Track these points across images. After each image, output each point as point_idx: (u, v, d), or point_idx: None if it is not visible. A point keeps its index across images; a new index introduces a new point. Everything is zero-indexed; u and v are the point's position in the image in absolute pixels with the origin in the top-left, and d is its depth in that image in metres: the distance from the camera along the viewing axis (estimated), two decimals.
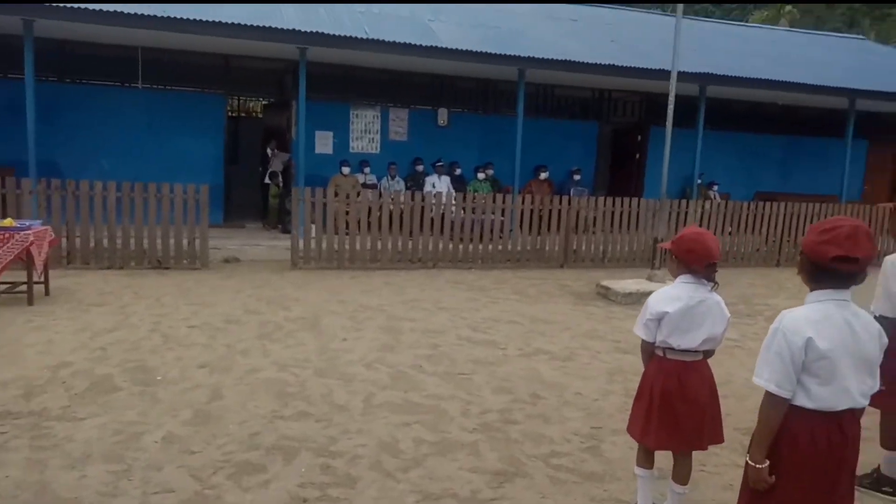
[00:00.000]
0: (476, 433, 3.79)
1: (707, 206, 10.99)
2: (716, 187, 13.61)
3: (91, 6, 8.52)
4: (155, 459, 3.30)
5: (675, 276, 2.82)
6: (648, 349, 2.85)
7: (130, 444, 3.45)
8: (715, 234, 11.00)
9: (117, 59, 11.03)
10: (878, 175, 15.76)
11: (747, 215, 10.97)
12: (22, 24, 8.58)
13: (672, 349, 2.74)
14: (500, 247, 9.96)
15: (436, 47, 9.94)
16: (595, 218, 10.36)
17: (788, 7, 31.05)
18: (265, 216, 11.91)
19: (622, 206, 10.41)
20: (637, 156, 14.07)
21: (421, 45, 9.87)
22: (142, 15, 8.67)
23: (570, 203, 10.18)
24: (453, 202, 9.82)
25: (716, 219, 10.78)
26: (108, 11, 8.54)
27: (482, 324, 6.31)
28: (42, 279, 6.56)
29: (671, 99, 8.44)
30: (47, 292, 6.63)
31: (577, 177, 13.05)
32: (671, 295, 2.75)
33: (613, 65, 10.79)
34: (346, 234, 9.27)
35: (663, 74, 11.02)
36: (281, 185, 11.48)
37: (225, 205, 11.84)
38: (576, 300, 7.76)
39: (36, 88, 8.90)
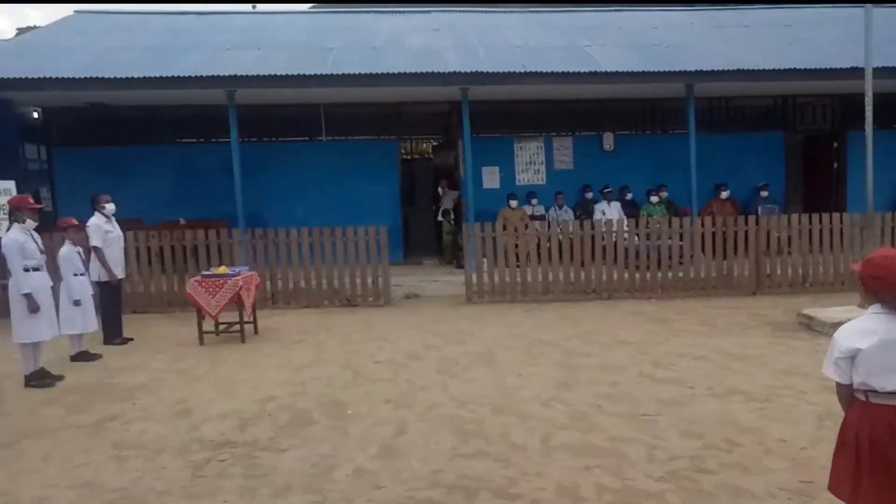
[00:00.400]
0: (663, 482, 3.55)
1: None
2: None
3: (279, 72, 9.60)
4: (347, 492, 3.51)
5: (868, 305, 2.46)
6: (846, 393, 2.48)
7: (325, 476, 3.71)
8: None
9: (304, 118, 12.29)
10: None
11: None
12: (226, 94, 9.87)
13: (875, 392, 2.37)
14: (680, 274, 9.39)
15: (596, 72, 9.78)
16: (790, 238, 9.39)
17: None
18: (440, 252, 12.38)
19: (821, 222, 9.34)
20: (835, 165, 12.59)
21: (581, 72, 9.78)
22: (322, 75, 9.60)
23: (758, 222, 9.34)
24: (626, 228, 9.47)
25: None
26: (294, 76, 9.57)
27: (666, 359, 5.95)
28: (251, 319, 7.39)
29: (868, 99, 7.46)
30: (256, 331, 7.44)
31: (764, 193, 11.95)
32: (862, 328, 2.39)
33: (795, 69, 9.84)
34: (517, 266, 9.32)
35: (855, 73, 9.88)
36: (453, 221, 11.89)
37: (404, 243, 12.51)
38: (773, 332, 7.04)
39: (240, 149, 10.16)
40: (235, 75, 9.57)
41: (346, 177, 12.03)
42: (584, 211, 11.72)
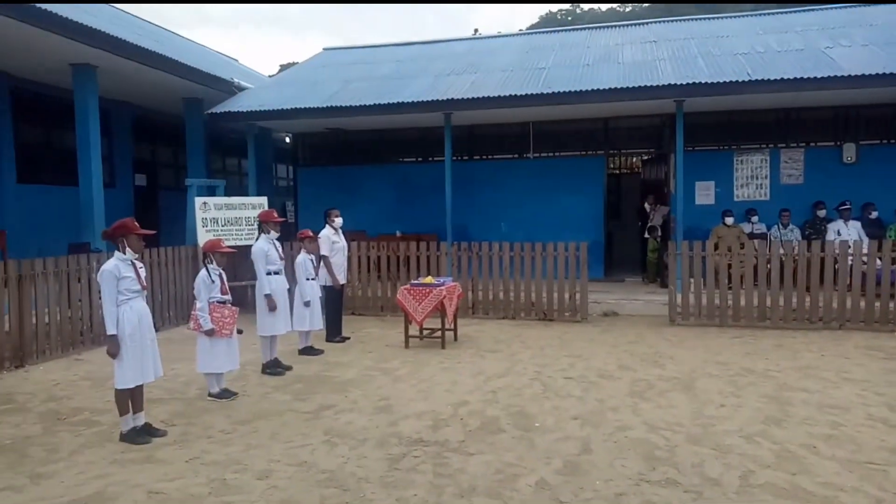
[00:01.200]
0: None
1: None
2: None
3: (491, 94, 10.06)
4: (528, 502, 3.60)
5: None
6: None
7: (508, 484, 3.83)
8: None
9: (513, 136, 12.71)
10: None
11: None
12: (443, 117, 10.60)
13: None
14: None
15: (837, 76, 8.70)
16: None
17: None
18: (644, 270, 11.93)
19: None
20: None
21: (815, 77, 8.79)
22: (531, 94, 9.86)
23: None
24: (865, 251, 8.28)
25: None
26: (505, 97, 9.96)
27: None
28: (452, 327, 7.83)
29: None
30: (455, 338, 7.87)
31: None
32: None
33: None
34: (729, 288, 8.64)
35: None
36: (659, 238, 11.39)
37: (605, 259, 12.28)
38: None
39: (452, 167, 10.81)
40: (452, 99, 10.25)
41: (551, 192, 12.17)
42: (814, 230, 10.49)
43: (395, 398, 5.56)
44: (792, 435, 4.47)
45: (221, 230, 9.47)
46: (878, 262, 8.24)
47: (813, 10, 12.88)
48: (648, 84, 9.44)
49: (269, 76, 17.61)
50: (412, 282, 8.12)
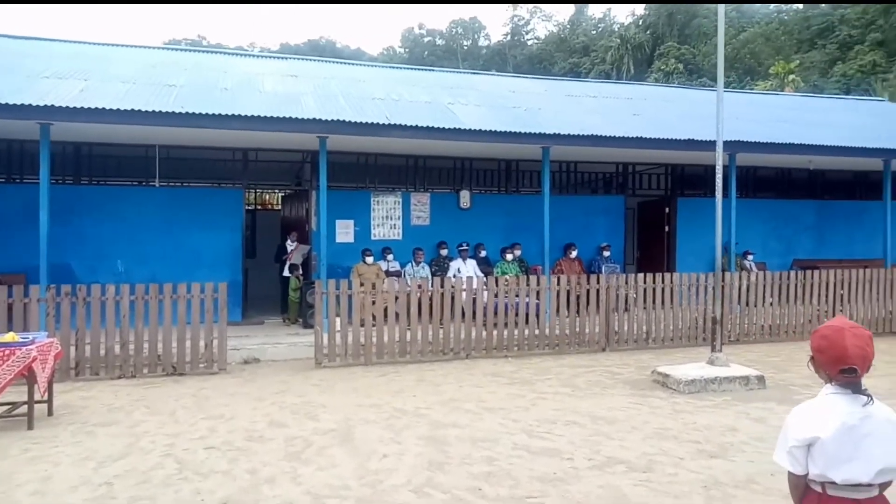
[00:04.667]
0: None
1: (752, 277, 10.30)
2: (751, 257, 12.98)
3: (108, 106, 8.33)
4: None
5: (824, 383, 2.17)
6: (800, 483, 2.14)
7: None
8: (755, 305, 10.37)
9: (134, 158, 10.88)
10: None
11: (795, 285, 10.29)
12: (39, 128, 8.40)
13: (834, 484, 2.05)
14: (536, 331, 9.28)
15: (460, 129, 9.64)
16: (636, 296, 9.70)
17: (791, 76, 31.46)
18: (285, 311, 11.35)
19: (663, 282, 9.77)
20: (666, 228, 13.55)
21: (446, 128, 9.60)
22: (162, 112, 8.48)
23: (608, 281, 9.55)
24: (484, 286, 9.22)
25: (759, 289, 10.10)
26: (128, 111, 8.35)
27: (537, 427, 5.56)
28: (45, 397, 5.94)
29: (718, 167, 7.99)
30: (50, 412, 5.99)
31: (606, 253, 12.50)
32: (818, 413, 2.08)
33: (641, 137, 10.45)
34: (373, 325, 8.66)
35: (691, 144, 10.74)
36: (301, 277, 11.00)
37: (243, 300, 11.34)
38: (632, 391, 6.99)
39: (51, 191, 8.61)
40: (53, 106, 8.14)
41: (180, 227, 10.71)
42: (439, 268, 11.42)
43: None
44: (456, 479, 4.34)
45: None
46: (495, 296, 9.24)
47: (433, 70, 14.42)
48: (295, 116, 9.03)
49: None
50: None
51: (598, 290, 9.48)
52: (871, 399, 2.04)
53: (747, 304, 10.12)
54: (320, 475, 4.42)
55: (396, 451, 4.92)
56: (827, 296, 10.42)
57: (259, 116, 8.85)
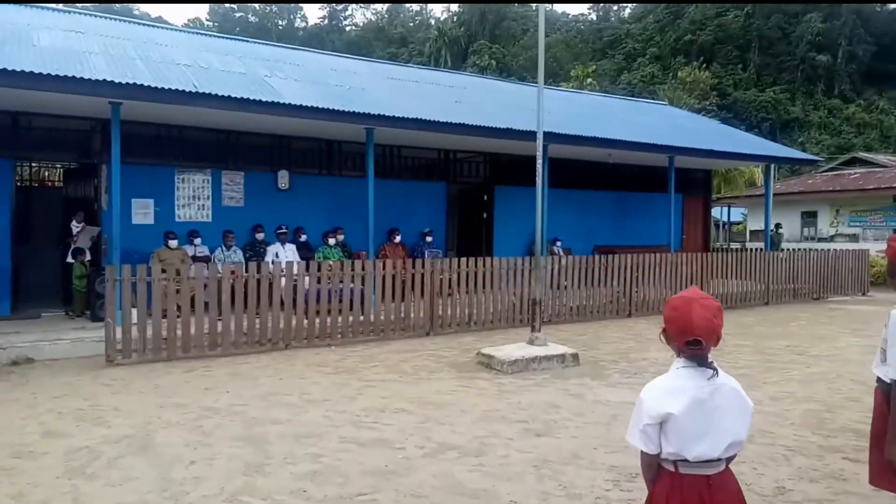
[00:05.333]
0: None
1: (563, 261, 10.92)
2: (559, 243, 13.88)
3: None
4: None
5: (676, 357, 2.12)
6: (653, 463, 2.08)
7: None
8: (565, 287, 11.09)
9: None
10: (692, 225, 17.25)
11: (599, 268, 11.11)
12: None
13: (686, 461, 2.00)
14: (361, 318, 8.97)
15: (280, 103, 8.94)
16: (458, 279, 9.79)
17: (589, 80, 34.45)
18: (69, 302, 9.80)
19: (484, 266, 9.98)
20: (485, 215, 13.97)
21: (264, 101, 8.82)
22: None
23: (433, 266, 9.52)
24: (306, 272, 8.68)
25: (569, 273, 10.76)
26: None
27: (366, 417, 5.26)
28: None
29: (539, 157, 8.27)
30: None
31: (429, 238, 12.56)
32: (669, 387, 2.02)
33: (464, 123, 10.54)
34: (178, 316, 7.73)
35: (510, 133, 11.09)
36: (89, 263, 9.56)
37: (14, 291, 9.59)
38: (458, 374, 6.98)
39: None
40: None
41: None
42: (255, 252, 10.63)
43: None
44: (278, 482, 3.89)
45: None
46: (318, 282, 8.75)
47: (247, 41, 13.37)
48: (79, 76, 7.71)
49: None
50: None
51: (422, 275, 9.40)
52: (717, 372, 2.02)
53: (558, 287, 10.71)
54: (111, 492, 3.71)
55: (206, 456, 4.32)
56: (624, 278, 11.39)
57: (32, 73, 7.44)
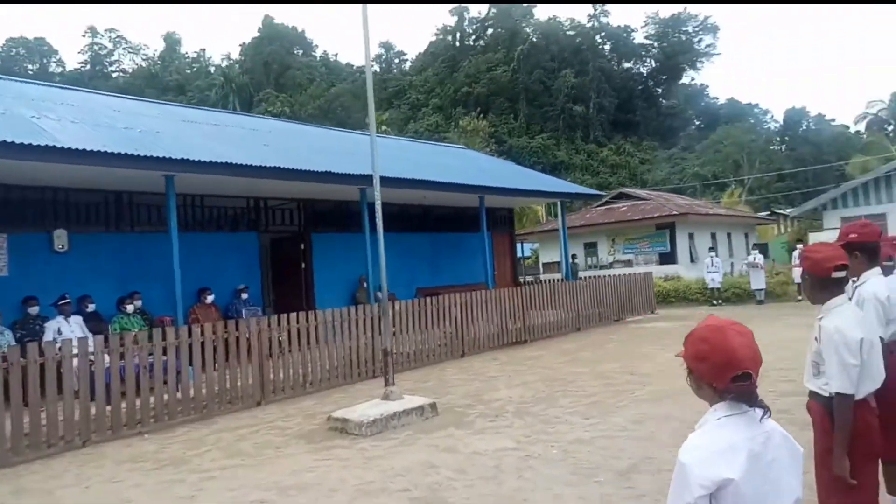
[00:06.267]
0: None
1: (396, 307, 10.53)
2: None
3: None
4: None
5: (710, 405, 1.76)
6: None
7: None
8: (400, 333, 10.70)
9: None
10: (501, 261, 18.02)
11: (432, 310, 10.91)
12: None
13: None
14: (178, 395, 7.64)
15: (57, 147, 7.39)
16: (290, 340, 8.87)
17: (384, 127, 35.26)
18: None
19: (317, 319, 9.20)
20: (303, 265, 13.12)
21: (36, 146, 7.17)
22: None
23: (260, 326, 8.52)
24: (105, 347, 7.16)
25: (403, 317, 10.41)
26: None
27: None
28: None
29: (377, 202, 7.78)
30: None
31: (244, 295, 11.41)
32: (718, 445, 1.63)
33: (280, 167, 9.74)
34: None
35: (329, 177, 10.57)
36: None
37: None
38: (311, 445, 6.15)
39: None
40: None
41: None
42: (28, 332, 8.69)
43: None
44: None
45: None
46: (120, 357, 7.29)
47: (2, 78, 11.19)
48: None
49: None
50: None
51: (248, 337, 8.36)
52: (769, 410, 1.71)
53: (393, 334, 10.25)
54: None
55: None
56: (455, 318, 11.32)
57: None
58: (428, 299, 10.95)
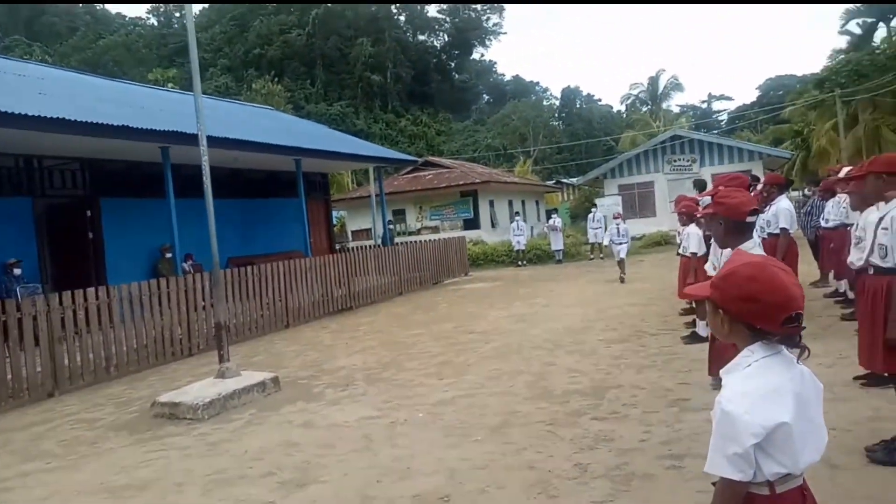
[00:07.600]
0: None
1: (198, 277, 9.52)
2: (190, 261, 12.22)
3: None
4: None
5: (739, 346, 1.61)
6: (741, 492, 1.52)
7: None
8: (212, 306, 9.64)
9: None
10: (317, 228, 17.35)
11: (253, 280, 10.08)
12: None
13: (788, 477, 1.53)
14: None
15: None
16: (87, 319, 7.57)
17: (171, 84, 31.86)
18: None
19: (120, 294, 7.97)
20: (90, 234, 11.33)
21: None
22: None
23: (49, 304, 7.14)
24: None
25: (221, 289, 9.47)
26: None
27: None
28: None
29: (205, 163, 6.89)
30: None
31: (17, 271, 9.53)
32: (764, 389, 1.50)
33: (66, 119, 8.16)
34: None
35: (125, 132, 9.21)
36: None
37: None
38: (136, 436, 5.28)
39: None
40: None
41: None
42: None
43: None
44: None
45: None
46: None
47: None
48: None
49: None
50: None
51: (34, 318, 6.95)
52: (807, 349, 1.57)
53: (211, 306, 9.30)
54: None
55: None
56: (278, 287, 10.59)
57: None
58: (251, 268, 10.09)
